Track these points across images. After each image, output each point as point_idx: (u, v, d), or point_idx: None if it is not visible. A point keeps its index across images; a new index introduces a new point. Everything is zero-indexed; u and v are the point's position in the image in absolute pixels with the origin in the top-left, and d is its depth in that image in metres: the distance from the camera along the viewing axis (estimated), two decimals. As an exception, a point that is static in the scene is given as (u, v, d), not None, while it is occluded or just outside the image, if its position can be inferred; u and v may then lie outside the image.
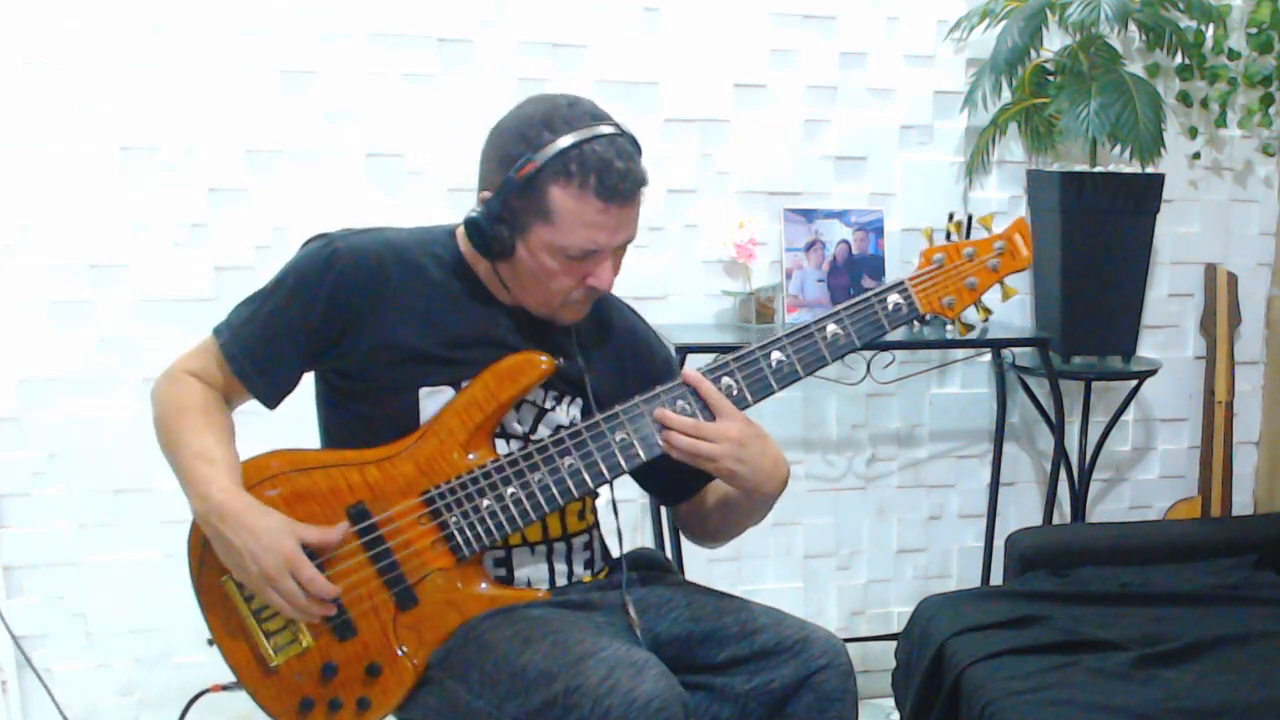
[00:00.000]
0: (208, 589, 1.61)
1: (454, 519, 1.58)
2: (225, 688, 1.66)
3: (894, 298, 1.63)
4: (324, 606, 1.53)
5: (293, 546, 1.50)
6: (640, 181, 1.54)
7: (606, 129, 1.52)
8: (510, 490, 1.58)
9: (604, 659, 1.42)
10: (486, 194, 1.55)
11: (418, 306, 1.61)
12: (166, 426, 1.59)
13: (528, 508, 1.59)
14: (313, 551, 1.53)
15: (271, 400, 1.65)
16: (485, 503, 1.58)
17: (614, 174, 1.50)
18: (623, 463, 1.59)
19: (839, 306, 1.63)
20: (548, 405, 1.68)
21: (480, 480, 1.59)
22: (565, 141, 1.49)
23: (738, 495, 1.67)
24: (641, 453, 1.59)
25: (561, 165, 1.49)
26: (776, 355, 1.61)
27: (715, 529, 1.80)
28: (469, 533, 1.59)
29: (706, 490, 1.79)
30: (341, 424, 1.67)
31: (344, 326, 1.59)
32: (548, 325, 1.67)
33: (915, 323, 2.71)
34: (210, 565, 1.58)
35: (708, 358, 1.67)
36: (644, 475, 1.77)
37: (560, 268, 1.56)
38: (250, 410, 1.66)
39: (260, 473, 1.57)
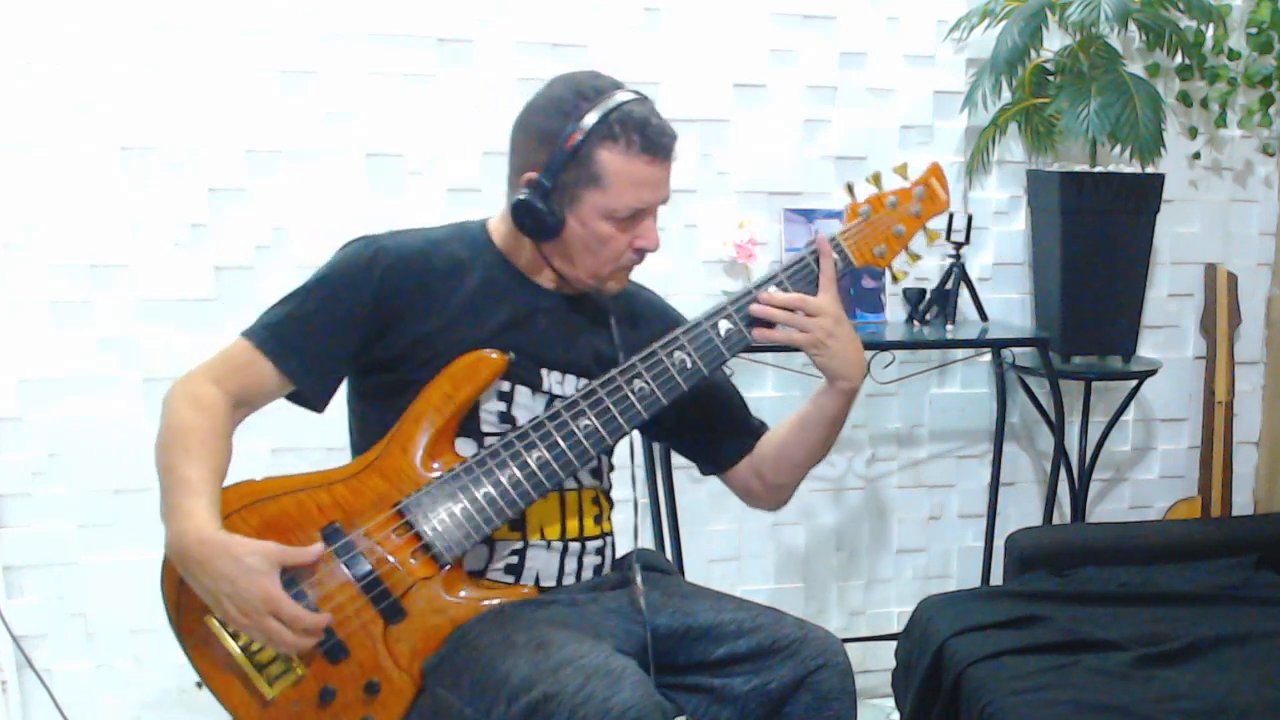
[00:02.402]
0: (190, 631, 1.56)
1: (430, 527, 1.57)
2: None
3: None
4: (313, 638, 1.50)
5: (269, 585, 1.45)
6: (675, 136, 1.62)
7: (632, 93, 1.60)
8: (483, 490, 1.58)
9: (582, 666, 1.41)
10: (531, 175, 1.58)
11: (461, 301, 1.63)
12: (166, 442, 1.56)
13: (502, 505, 1.58)
14: (295, 576, 1.50)
15: (318, 399, 1.63)
16: (459, 506, 1.58)
17: (654, 130, 1.58)
18: (589, 449, 1.61)
19: (778, 269, 1.68)
20: (552, 389, 1.68)
21: (450, 484, 1.58)
22: (604, 107, 1.56)
23: (816, 411, 1.73)
24: (608, 438, 1.62)
25: (607, 129, 1.56)
26: (724, 324, 1.66)
27: (785, 472, 1.84)
28: (448, 538, 1.57)
29: (762, 442, 1.83)
30: (374, 422, 1.65)
31: (389, 321, 1.61)
32: (585, 305, 1.71)
33: (916, 322, 2.71)
34: (189, 607, 1.55)
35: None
36: (691, 443, 1.85)
37: (612, 232, 1.60)
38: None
39: (226, 508, 1.53)
